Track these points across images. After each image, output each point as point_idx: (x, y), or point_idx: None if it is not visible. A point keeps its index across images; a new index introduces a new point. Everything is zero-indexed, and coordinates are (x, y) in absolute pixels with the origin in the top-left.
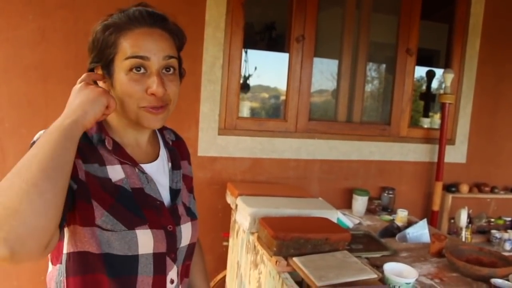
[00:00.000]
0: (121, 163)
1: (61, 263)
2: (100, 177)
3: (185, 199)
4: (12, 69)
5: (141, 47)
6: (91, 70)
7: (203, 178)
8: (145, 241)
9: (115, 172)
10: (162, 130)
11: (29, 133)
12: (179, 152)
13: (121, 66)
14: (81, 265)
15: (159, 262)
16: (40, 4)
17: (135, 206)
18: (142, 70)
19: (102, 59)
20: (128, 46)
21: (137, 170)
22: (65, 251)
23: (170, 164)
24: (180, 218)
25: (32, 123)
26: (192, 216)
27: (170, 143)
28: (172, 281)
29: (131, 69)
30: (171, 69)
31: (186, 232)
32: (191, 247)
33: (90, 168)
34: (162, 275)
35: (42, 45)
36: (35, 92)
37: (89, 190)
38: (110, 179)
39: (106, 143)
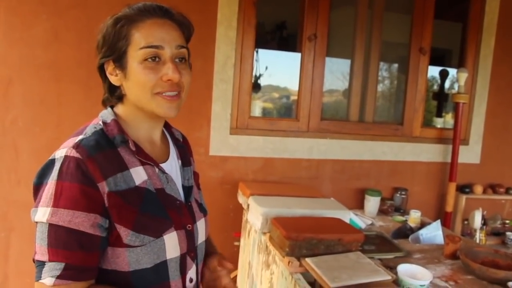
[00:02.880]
0: (143, 163)
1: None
2: (123, 190)
3: (196, 196)
4: (25, 68)
5: (155, 36)
6: (101, 65)
7: (215, 177)
8: (172, 244)
9: (138, 175)
10: (170, 128)
11: (42, 132)
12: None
13: (135, 56)
14: (110, 281)
15: (182, 262)
16: (53, 3)
17: (161, 207)
18: (157, 59)
19: (115, 52)
20: (141, 36)
21: (157, 170)
22: None
23: (180, 161)
24: (195, 215)
25: (45, 122)
26: (204, 212)
27: (181, 139)
28: (191, 280)
29: (145, 59)
30: (183, 59)
31: (201, 229)
32: (206, 243)
33: (112, 183)
34: (183, 275)
35: (55, 45)
36: (48, 91)
37: (112, 214)
38: (133, 187)
39: (130, 145)
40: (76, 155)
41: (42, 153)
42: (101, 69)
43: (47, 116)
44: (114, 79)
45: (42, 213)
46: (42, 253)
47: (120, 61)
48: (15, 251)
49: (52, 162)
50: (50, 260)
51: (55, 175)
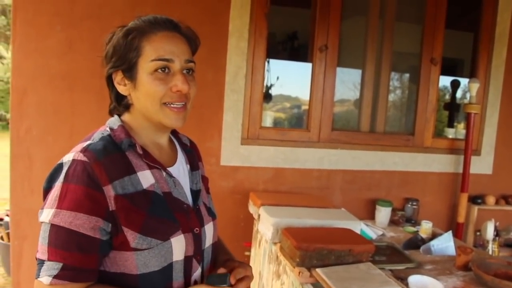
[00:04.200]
0: (150, 167)
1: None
2: (130, 193)
3: (205, 199)
4: (40, 78)
5: (165, 50)
6: (110, 75)
7: (226, 187)
8: (179, 247)
9: (146, 178)
10: (177, 134)
11: (56, 141)
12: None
13: (145, 68)
14: (116, 284)
15: (187, 265)
16: (68, 15)
17: (168, 211)
18: (166, 70)
19: (125, 62)
20: (152, 49)
21: (164, 174)
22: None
23: (188, 166)
24: (203, 219)
25: (58, 131)
26: (212, 216)
27: (188, 144)
28: (195, 282)
29: (156, 70)
30: (190, 70)
31: (209, 233)
32: (214, 246)
33: (119, 186)
34: (187, 278)
35: (69, 55)
36: (61, 101)
37: (119, 218)
38: (141, 190)
39: (138, 149)
40: (84, 158)
41: (55, 162)
42: (109, 79)
43: (61, 126)
44: (122, 89)
45: (46, 214)
46: (42, 252)
47: (129, 71)
48: (27, 259)
49: (60, 166)
50: (49, 259)
51: (62, 178)
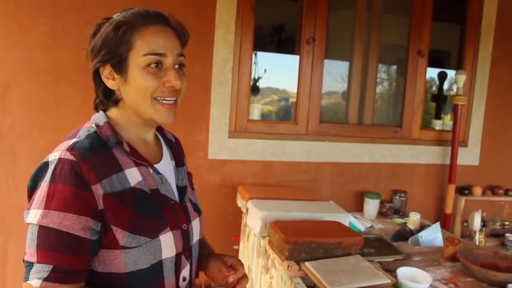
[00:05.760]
0: (137, 164)
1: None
2: (118, 191)
3: (190, 195)
4: (24, 72)
5: (158, 44)
6: (97, 70)
7: (214, 181)
8: (168, 244)
9: (133, 176)
10: (162, 129)
11: (41, 136)
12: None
13: (137, 62)
14: (105, 284)
15: (177, 262)
16: (51, 7)
17: (156, 208)
18: (159, 65)
19: (114, 57)
20: (144, 43)
21: (151, 171)
22: None
23: (173, 162)
24: (190, 215)
25: (43, 126)
26: (198, 211)
27: (173, 140)
28: (184, 279)
29: (148, 65)
30: (181, 66)
31: (196, 229)
32: (200, 242)
33: (107, 185)
34: (177, 274)
35: (53, 48)
36: (46, 95)
37: (107, 217)
38: (129, 188)
39: (125, 146)
40: (71, 157)
41: (40, 158)
42: (96, 73)
43: (45, 120)
44: (111, 83)
45: (34, 215)
46: (31, 254)
47: (119, 65)
48: (13, 256)
49: (45, 165)
50: (38, 262)
51: (48, 178)
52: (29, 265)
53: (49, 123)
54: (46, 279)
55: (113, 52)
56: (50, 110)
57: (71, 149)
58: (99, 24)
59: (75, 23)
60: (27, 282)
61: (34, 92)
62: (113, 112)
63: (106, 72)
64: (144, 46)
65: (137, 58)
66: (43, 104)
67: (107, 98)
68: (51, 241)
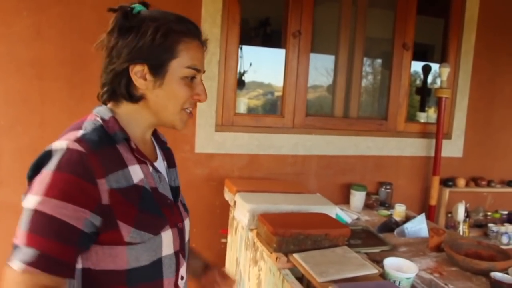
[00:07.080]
0: (139, 162)
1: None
2: (123, 187)
3: (180, 196)
4: (7, 66)
5: (199, 60)
6: (126, 68)
7: (201, 175)
8: (167, 242)
9: (136, 173)
10: (156, 131)
11: (25, 131)
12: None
13: (178, 71)
14: (102, 282)
15: (176, 260)
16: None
17: (156, 206)
18: (193, 79)
19: (152, 59)
20: (189, 56)
21: (151, 169)
22: (79, 266)
23: (165, 162)
24: (182, 214)
25: (27, 121)
26: (187, 211)
27: (166, 141)
28: (182, 278)
29: (186, 76)
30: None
31: (187, 228)
32: (189, 242)
33: (113, 180)
34: (176, 273)
35: (37, 42)
36: (30, 89)
37: (114, 211)
38: (132, 185)
39: (131, 143)
40: (80, 148)
41: (25, 153)
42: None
43: (30, 115)
44: (140, 82)
45: (31, 200)
46: (20, 237)
47: (157, 69)
48: None
49: (48, 153)
50: (25, 245)
51: (53, 166)
52: (16, 247)
53: (34, 118)
54: (29, 264)
55: (152, 54)
56: (35, 104)
57: (79, 140)
58: (125, 16)
59: (60, 16)
60: (10, 264)
61: (17, 87)
62: (123, 107)
63: (139, 70)
64: (188, 59)
65: (179, 68)
66: (27, 98)
67: (129, 93)
68: (41, 225)
